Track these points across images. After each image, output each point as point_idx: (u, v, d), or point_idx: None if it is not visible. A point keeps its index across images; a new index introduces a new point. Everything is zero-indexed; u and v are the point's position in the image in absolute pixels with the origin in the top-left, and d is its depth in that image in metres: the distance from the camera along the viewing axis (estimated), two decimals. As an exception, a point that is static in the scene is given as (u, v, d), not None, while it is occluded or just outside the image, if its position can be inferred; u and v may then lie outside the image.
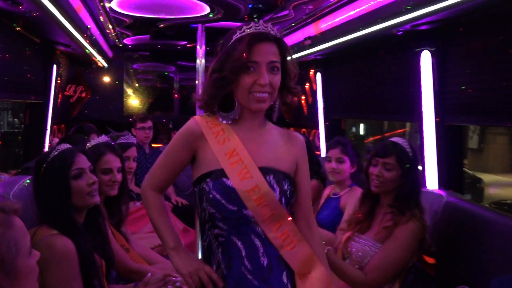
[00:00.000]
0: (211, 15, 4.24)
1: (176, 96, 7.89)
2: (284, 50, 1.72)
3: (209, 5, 3.92)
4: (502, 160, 21.73)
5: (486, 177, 14.27)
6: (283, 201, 1.72)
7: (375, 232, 2.72)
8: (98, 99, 6.36)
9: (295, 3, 3.82)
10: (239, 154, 1.70)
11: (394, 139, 2.81)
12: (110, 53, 5.68)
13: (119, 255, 2.55)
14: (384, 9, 2.92)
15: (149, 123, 5.12)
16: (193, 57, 7.16)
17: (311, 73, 5.66)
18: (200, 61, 4.65)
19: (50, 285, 1.93)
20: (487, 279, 2.35)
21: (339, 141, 3.55)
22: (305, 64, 5.51)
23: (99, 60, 5.45)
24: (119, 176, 2.75)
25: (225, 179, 1.67)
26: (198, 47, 4.64)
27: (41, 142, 4.63)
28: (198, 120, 1.78)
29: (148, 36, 5.44)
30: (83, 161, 2.22)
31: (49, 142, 4.75)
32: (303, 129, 6.25)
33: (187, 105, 9.00)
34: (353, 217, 2.89)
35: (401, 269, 2.62)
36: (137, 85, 7.63)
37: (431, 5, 2.68)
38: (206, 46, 4.62)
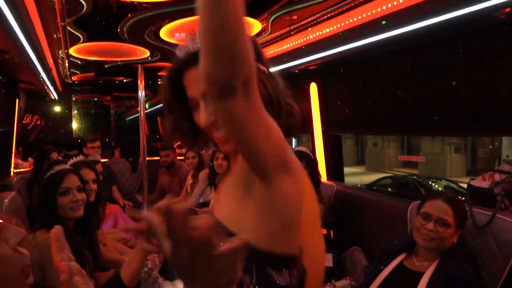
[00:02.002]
0: (149, 58, 4.29)
1: (112, 119, 7.75)
2: None
3: (149, 50, 3.98)
4: (350, 156, 24.14)
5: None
6: None
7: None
8: (50, 125, 6.08)
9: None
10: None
11: (300, 148, 3.10)
12: (60, 88, 5.48)
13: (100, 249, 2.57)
14: (286, 55, 3.21)
15: (98, 143, 5.01)
16: (127, 89, 7.08)
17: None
18: (142, 93, 4.69)
19: (52, 277, 1.94)
20: (371, 240, 2.70)
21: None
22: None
23: (52, 94, 5.25)
24: (94, 186, 2.75)
25: None
26: (139, 82, 4.68)
27: (8, 163, 4.38)
28: None
29: (93, 73, 5.33)
30: (72, 181, 2.21)
31: (14, 163, 4.51)
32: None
33: (120, 126, 8.84)
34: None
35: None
36: (75, 112, 7.39)
37: (316, 54, 3.03)
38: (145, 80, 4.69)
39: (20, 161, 4.99)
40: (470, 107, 2.36)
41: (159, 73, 5.55)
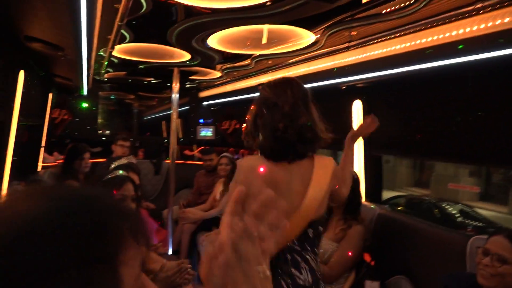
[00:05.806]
0: (188, 62, 4.23)
1: (135, 118, 7.69)
2: None
3: (190, 53, 3.91)
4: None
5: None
6: None
7: (332, 234, 2.89)
8: (77, 120, 6.05)
9: (257, 59, 3.95)
10: None
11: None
12: (90, 84, 5.44)
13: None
14: (339, 71, 3.12)
15: (129, 143, 4.98)
16: (152, 89, 6.98)
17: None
18: (176, 96, 4.64)
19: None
20: (419, 270, 2.58)
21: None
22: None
23: (83, 89, 5.20)
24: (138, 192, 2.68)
25: None
26: (174, 84, 4.63)
27: (37, 157, 4.33)
28: None
29: (125, 72, 5.29)
30: (129, 189, 2.16)
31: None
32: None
33: (142, 126, 8.77)
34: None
35: (353, 263, 2.81)
36: (96, 109, 7.36)
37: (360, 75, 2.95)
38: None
39: (47, 155, 4.94)
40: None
41: (190, 77, 5.50)
